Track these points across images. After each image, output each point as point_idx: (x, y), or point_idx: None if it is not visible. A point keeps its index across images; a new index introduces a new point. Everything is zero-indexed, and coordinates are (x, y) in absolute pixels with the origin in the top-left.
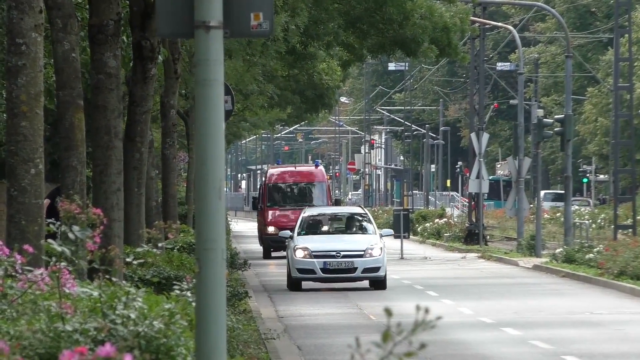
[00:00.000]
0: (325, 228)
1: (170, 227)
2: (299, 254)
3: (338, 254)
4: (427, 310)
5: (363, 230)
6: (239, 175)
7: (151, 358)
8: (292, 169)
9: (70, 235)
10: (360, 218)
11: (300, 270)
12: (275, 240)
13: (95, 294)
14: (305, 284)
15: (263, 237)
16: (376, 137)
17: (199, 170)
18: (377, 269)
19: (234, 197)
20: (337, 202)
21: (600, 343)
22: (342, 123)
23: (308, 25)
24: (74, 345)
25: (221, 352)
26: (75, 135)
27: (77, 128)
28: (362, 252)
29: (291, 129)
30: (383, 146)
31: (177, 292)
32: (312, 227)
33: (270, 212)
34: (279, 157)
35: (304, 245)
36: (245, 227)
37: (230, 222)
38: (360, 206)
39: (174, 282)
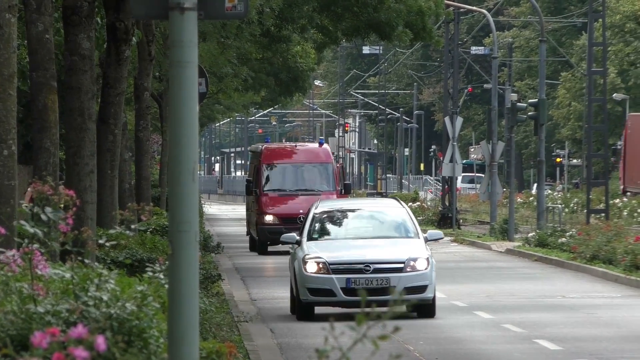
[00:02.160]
0: (346, 230)
1: (143, 210)
2: (311, 267)
3: (367, 268)
4: (401, 294)
5: (401, 232)
6: (213, 158)
7: (123, 340)
8: (292, 146)
9: (43, 217)
10: (396, 216)
11: (313, 291)
12: (274, 231)
13: (68, 275)
14: (319, 309)
15: (258, 227)
16: (350, 120)
17: (173, 153)
18: (422, 289)
19: (208, 180)
20: (348, 188)
21: (573, 327)
22: (316, 106)
23: (283, 8)
24: (46, 326)
25: (194, 335)
26: (49, 117)
27: (51, 110)
28: (402, 265)
29: (265, 112)
30: (357, 130)
31: (150, 274)
32: (328, 228)
33: (268, 198)
34: (267, 136)
35: (318, 254)
36: (219, 210)
37: (203, 205)
38: (395, 199)
39: (147, 264)
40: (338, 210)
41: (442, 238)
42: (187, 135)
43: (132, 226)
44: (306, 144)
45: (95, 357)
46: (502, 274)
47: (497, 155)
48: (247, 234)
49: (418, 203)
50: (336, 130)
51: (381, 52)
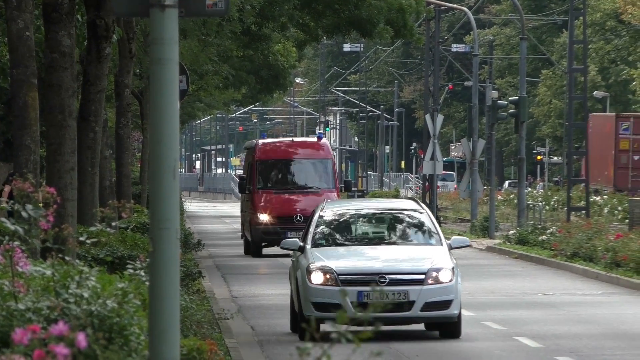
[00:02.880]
0: (358, 235)
1: (124, 207)
2: (317, 278)
3: (382, 279)
4: (382, 290)
5: (421, 239)
6: (194, 155)
7: (104, 337)
8: (289, 141)
9: (24, 214)
10: (415, 219)
11: (319, 306)
12: (269, 231)
13: (48, 272)
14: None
15: (252, 227)
16: (331, 118)
17: (154, 150)
18: (446, 304)
19: (188, 178)
20: (348, 185)
21: (553, 324)
22: (297, 104)
23: (263, 6)
24: (27, 323)
25: (174, 332)
26: (29, 114)
27: (31, 107)
28: (422, 276)
29: (246, 109)
30: (338, 127)
31: (131, 271)
32: (337, 233)
33: (262, 196)
34: (264, 132)
35: (324, 263)
36: (199, 208)
37: (184, 203)
38: (414, 199)
39: (128, 262)
40: (348, 212)
41: (469, 245)
42: (168, 133)
43: (113, 223)
44: (304, 138)
45: (76, 354)
46: (482, 271)
47: (477, 152)
48: (241, 237)
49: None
50: (317, 128)
51: (362, 49)
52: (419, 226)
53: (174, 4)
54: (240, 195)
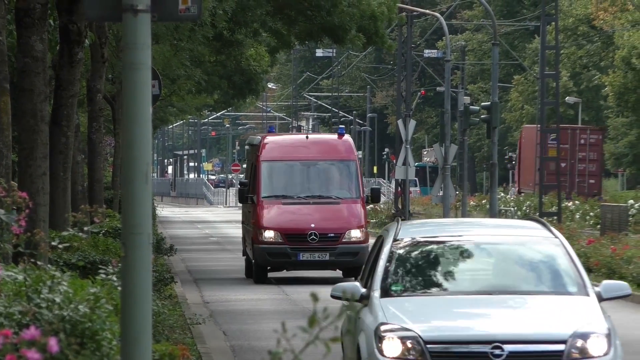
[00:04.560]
0: (454, 279)
1: (96, 212)
2: (392, 348)
3: (497, 350)
4: (353, 296)
5: (555, 284)
6: (166, 160)
7: (76, 342)
8: (302, 138)
9: None
10: (545, 253)
11: None
12: (276, 252)
13: (20, 277)
14: None
15: (255, 246)
16: (303, 123)
17: (126, 155)
18: None
19: (161, 183)
20: (376, 195)
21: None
22: (269, 109)
23: (236, 11)
24: None
25: (147, 337)
26: (1, 119)
27: (3, 111)
28: (562, 346)
29: (218, 114)
30: (310, 132)
31: (103, 276)
32: (421, 275)
33: (268, 207)
34: (272, 125)
35: (404, 324)
36: (171, 213)
37: (156, 207)
38: (538, 220)
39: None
40: (435, 242)
41: (629, 294)
42: (140, 138)
43: (85, 228)
44: (321, 134)
45: (48, 359)
46: None
47: (449, 158)
48: (243, 255)
49: (371, 206)
50: (289, 133)
51: (334, 55)
52: (551, 264)
53: (146, 9)
54: (241, 204)
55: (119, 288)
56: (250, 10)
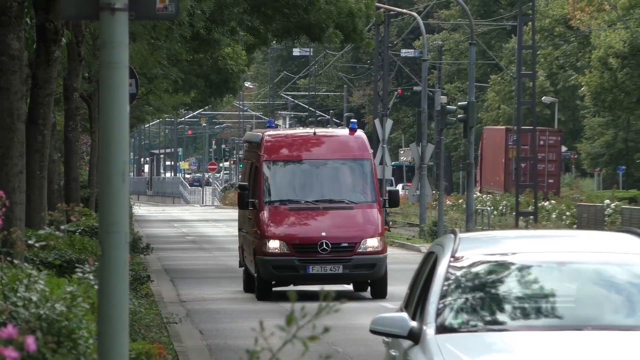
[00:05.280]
0: (535, 309)
1: (73, 210)
2: None
3: None
4: (330, 293)
5: None
6: (142, 159)
7: (53, 340)
8: (309, 134)
9: None
10: None
11: None
12: (283, 265)
13: None
14: None
15: (258, 257)
16: (280, 122)
17: (103, 153)
18: None
19: (137, 181)
20: (395, 198)
21: None
22: (246, 108)
23: (213, 10)
24: None
25: (123, 336)
26: None
27: None
28: None
29: (195, 113)
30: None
31: (80, 275)
32: (490, 305)
33: (272, 214)
34: (271, 119)
35: None
36: (148, 212)
37: (133, 206)
38: (634, 231)
39: (76, 265)
40: (507, 261)
41: None
42: (117, 136)
43: (62, 227)
44: (330, 129)
45: (25, 358)
46: None
47: (426, 157)
48: (240, 266)
49: None
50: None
51: (311, 54)
52: None
53: (124, 7)
54: (239, 210)
55: (96, 287)
56: (228, 8)
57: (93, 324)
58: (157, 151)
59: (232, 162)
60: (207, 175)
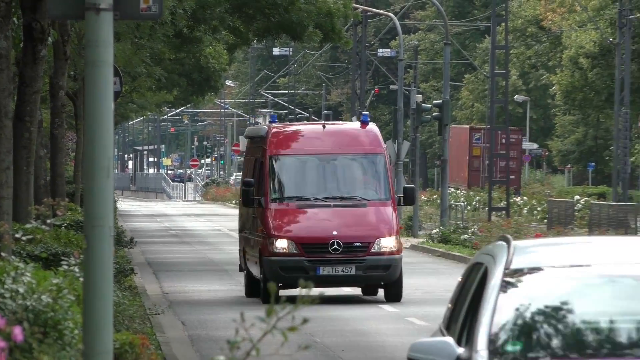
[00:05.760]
0: (613, 332)
1: (59, 205)
2: None
3: None
4: (307, 287)
5: None
6: (126, 155)
7: (40, 331)
8: (318, 128)
9: None
10: None
11: None
12: (291, 266)
13: None
14: None
15: (264, 258)
16: (261, 119)
17: (88, 150)
18: None
19: (121, 177)
20: (411, 196)
21: None
22: (227, 106)
23: (195, 10)
24: None
25: (107, 327)
26: None
27: None
28: None
29: (177, 110)
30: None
31: (65, 267)
32: (555, 324)
33: (279, 212)
34: (274, 114)
35: None
36: (132, 206)
37: (117, 201)
38: None
39: (62, 258)
40: (575, 274)
41: None
42: (102, 133)
43: (48, 221)
44: (341, 123)
45: (13, 347)
46: (406, 269)
47: (402, 154)
48: (240, 270)
49: None
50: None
51: (291, 53)
52: None
53: (108, 7)
54: (241, 208)
55: (81, 279)
56: (210, 8)
57: (78, 315)
58: (140, 148)
59: (213, 158)
60: (189, 171)
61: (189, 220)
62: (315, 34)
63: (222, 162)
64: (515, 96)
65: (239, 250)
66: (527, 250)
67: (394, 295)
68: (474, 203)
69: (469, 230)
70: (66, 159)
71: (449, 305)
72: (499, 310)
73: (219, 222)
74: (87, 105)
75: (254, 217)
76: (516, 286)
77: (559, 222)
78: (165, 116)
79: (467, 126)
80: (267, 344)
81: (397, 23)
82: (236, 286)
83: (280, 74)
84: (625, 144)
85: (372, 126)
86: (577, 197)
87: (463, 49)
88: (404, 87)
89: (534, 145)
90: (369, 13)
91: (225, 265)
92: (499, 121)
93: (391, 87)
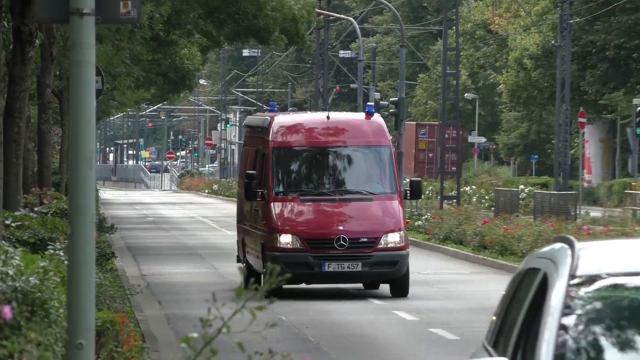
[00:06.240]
0: None
1: (45, 194)
2: None
3: None
4: (275, 269)
5: None
6: (107, 148)
7: (27, 310)
8: (322, 118)
9: None
10: None
11: None
12: (295, 261)
13: None
14: None
15: (267, 253)
16: (231, 115)
17: (72, 143)
18: None
19: (103, 168)
20: (417, 189)
21: (427, 300)
22: (201, 103)
23: (171, 15)
24: None
25: (90, 306)
26: None
27: None
28: None
29: (155, 107)
30: (237, 124)
31: (51, 251)
32: (634, 344)
33: (283, 206)
34: (273, 102)
35: None
36: (112, 195)
37: (99, 191)
38: None
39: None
40: None
41: None
42: (85, 128)
43: (35, 209)
44: (346, 114)
45: (2, 325)
46: None
47: None
48: (238, 261)
49: None
50: (219, 124)
51: (259, 54)
52: None
53: (91, 12)
54: (239, 198)
55: (66, 262)
56: (184, 13)
57: (63, 295)
58: (120, 141)
59: (187, 151)
60: (165, 163)
61: (165, 208)
62: (281, 38)
63: (195, 154)
64: (465, 94)
65: (237, 241)
66: (595, 255)
67: (400, 291)
68: (427, 192)
69: (423, 217)
70: (52, 152)
71: (494, 318)
72: (565, 326)
73: (193, 210)
74: (71, 102)
75: (256, 210)
76: (586, 297)
77: (505, 209)
78: (144, 112)
79: (414, 122)
80: (237, 322)
81: (357, 27)
82: (209, 269)
83: (249, 74)
84: (565, 137)
85: (377, 117)
86: (521, 186)
87: (417, 50)
88: (363, 85)
89: (482, 139)
90: (330, 18)
91: (199, 249)
92: (450, 117)
93: (351, 85)
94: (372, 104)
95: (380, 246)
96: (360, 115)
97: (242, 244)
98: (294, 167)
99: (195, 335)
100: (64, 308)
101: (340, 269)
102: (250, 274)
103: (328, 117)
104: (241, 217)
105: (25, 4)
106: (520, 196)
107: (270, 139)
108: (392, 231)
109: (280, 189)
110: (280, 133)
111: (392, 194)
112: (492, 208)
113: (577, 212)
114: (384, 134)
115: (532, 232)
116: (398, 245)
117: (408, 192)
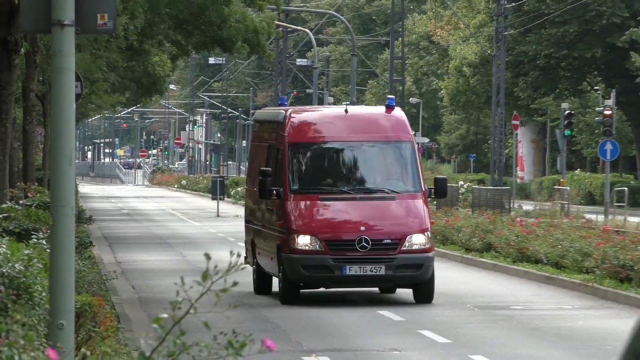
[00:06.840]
0: None
1: (29, 188)
2: None
3: None
4: (238, 255)
5: None
6: (86, 147)
7: (13, 293)
8: (340, 112)
9: None
10: None
11: None
12: (313, 264)
13: None
14: None
15: (284, 255)
16: (198, 117)
17: (54, 142)
18: None
19: (82, 165)
20: (442, 187)
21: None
22: (170, 106)
23: (144, 26)
24: None
25: (70, 290)
26: None
27: None
28: None
29: (129, 110)
30: (204, 125)
31: (35, 240)
32: None
33: (300, 205)
34: (283, 96)
35: None
36: (90, 190)
37: (78, 185)
38: None
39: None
40: None
41: None
42: (65, 128)
43: (20, 202)
44: (365, 107)
45: None
46: None
47: None
48: (246, 262)
49: None
50: (187, 126)
51: (224, 62)
52: None
53: (71, 23)
54: (248, 197)
55: (48, 250)
56: (156, 25)
57: (46, 280)
58: (98, 141)
59: (159, 149)
60: (138, 160)
61: (138, 202)
62: (244, 47)
63: (166, 152)
64: (410, 98)
65: (246, 242)
66: None
67: (425, 296)
68: None
69: None
70: (36, 150)
71: None
72: None
73: (163, 203)
74: (53, 105)
75: (270, 209)
76: None
77: (446, 203)
78: (119, 114)
79: None
80: (203, 304)
81: (312, 38)
82: (177, 257)
83: (215, 80)
84: (500, 138)
85: (398, 111)
86: (461, 182)
87: (367, 59)
88: (318, 90)
89: (426, 140)
90: (288, 29)
91: (169, 239)
92: None
93: (307, 90)
94: (392, 97)
95: (404, 248)
96: (380, 109)
97: (251, 244)
98: (312, 163)
99: (165, 316)
100: (47, 292)
101: (362, 272)
102: (261, 277)
103: (346, 111)
104: (251, 216)
105: (12, 16)
106: (460, 191)
107: (285, 134)
108: (417, 232)
109: (297, 186)
110: (296, 128)
111: (416, 192)
112: (435, 202)
113: (511, 205)
114: (405, 128)
115: (470, 223)
116: (423, 247)
117: (433, 190)
